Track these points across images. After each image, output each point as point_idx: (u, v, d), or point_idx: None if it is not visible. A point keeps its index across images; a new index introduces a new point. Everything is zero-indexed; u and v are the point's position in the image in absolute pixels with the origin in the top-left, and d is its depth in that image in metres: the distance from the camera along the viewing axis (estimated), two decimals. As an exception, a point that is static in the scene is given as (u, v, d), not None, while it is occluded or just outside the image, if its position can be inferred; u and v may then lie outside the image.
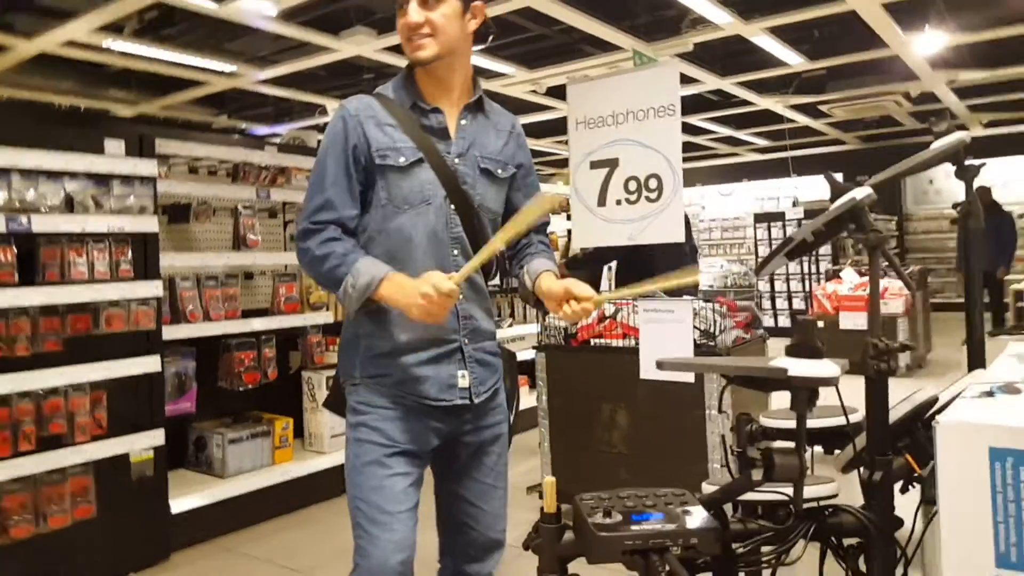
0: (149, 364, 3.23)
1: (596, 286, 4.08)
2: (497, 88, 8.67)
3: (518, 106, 9.86)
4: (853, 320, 7.37)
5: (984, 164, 1.59)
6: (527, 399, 5.34)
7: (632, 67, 4.02)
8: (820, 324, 7.80)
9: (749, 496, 1.26)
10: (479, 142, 1.80)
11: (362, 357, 1.74)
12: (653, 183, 3.71)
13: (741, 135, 12.84)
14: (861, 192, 1.26)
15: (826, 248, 10.57)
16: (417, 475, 1.73)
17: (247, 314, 3.93)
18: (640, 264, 3.93)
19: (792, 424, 1.69)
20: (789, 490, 1.28)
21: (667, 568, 1.08)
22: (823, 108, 10.53)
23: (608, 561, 1.11)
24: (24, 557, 2.72)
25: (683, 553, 1.14)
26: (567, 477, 3.36)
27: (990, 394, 1.10)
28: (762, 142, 13.56)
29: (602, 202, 3.84)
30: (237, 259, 3.88)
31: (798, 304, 10.39)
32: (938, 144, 1.59)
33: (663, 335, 3.49)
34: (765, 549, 1.22)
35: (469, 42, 1.78)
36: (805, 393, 1.05)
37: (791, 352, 1.07)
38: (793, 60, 8.27)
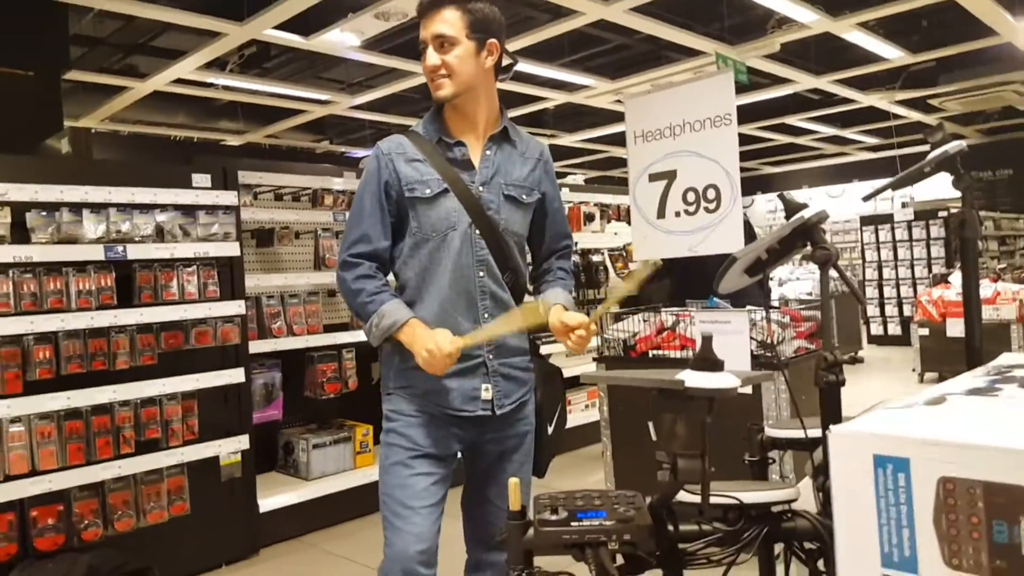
0: (235, 375, 3.55)
1: (683, 295, 4.08)
2: (580, 100, 8.79)
3: (603, 117, 9.92)
4: (962, 327, 6.94)
5: (973, 174, 1.56)
6: (592, 412, 5.42)
7: (692, 76, 4.04)
8: (925, 332, 7.39)
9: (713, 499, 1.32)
10: (504, 169, 1.94)
11: (395, 370, 1.91)
12: (711, 193, 3.72)
13: (847, 134, 12.33)
14: (810, 211, 1.30)
15: (938, 251, 9.97)
16: (440, 475, 1.88)
17: (329, 329, 4.22)
18: (701, 275, 3.94)
19: (798, 434, 1.73)
20: (742, 495, 1.34)
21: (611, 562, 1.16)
22: (934, 102, 9.97)
23: (550, 554, 1.22)
24: (127, 548, 3.06)
25: (627, 550, 1.23)
26: (632, 487, 3.42)
27: (909, 406, 1.13)
28: (871, 140, 12.95)
29: (661, 214, 3.88)
30: (318, 278, 4.18)
31: (909, 311, 9.84)
32: (935, 154, 1.58)
33: (719, 346, 3.48)
34: (715, 550, 1.28)
35: (490, 77, 1.91)
36: (704, 403, 1.12)
37: (694, 365, 1.14)
38: (892, 54, 7.91)
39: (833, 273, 1.30)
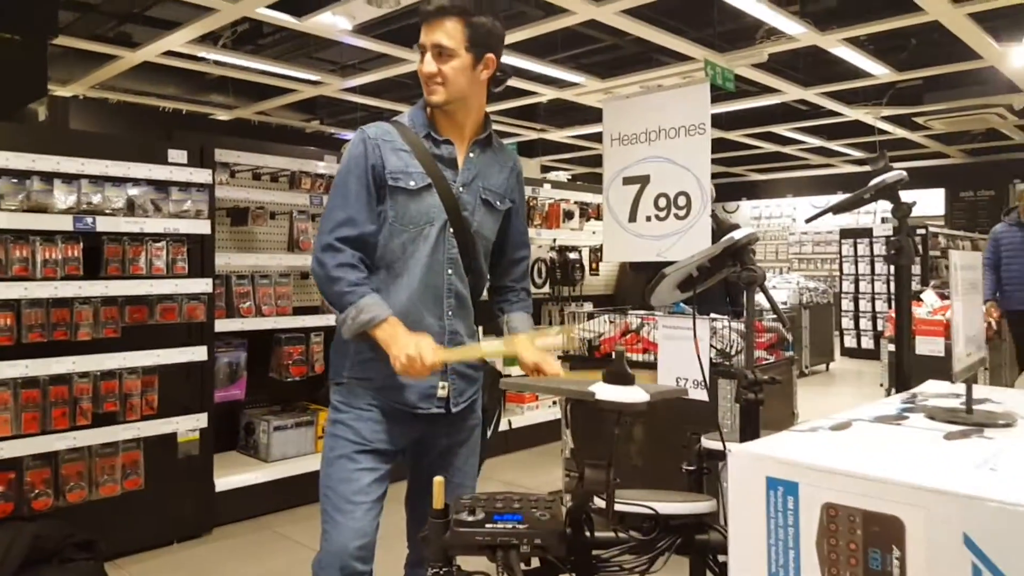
0: (198, 353, 3.56)
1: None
2: (570, 97, 8.80)
3: (593, 114, 9.94)
4: (930, 346, 7.04)
5: (915, 203, 1.61)
6: (554, 410, 5.48)
7: (680, 81, 4.07)
8: (894, 347, 7.48)
9: (624, 508, 1.36)
10: (483, 174, 1.97)
11: (351, 360, 1.92)
12: (682, 200, 3.75)
13: (833, 146, 12.42)
14: (740, 232, 1.33)
15: (916, 268, 10.09)
16: (383, 471, 1.90)
17: (298, 311, 4.24)
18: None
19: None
20: (659, 504, 1.38)
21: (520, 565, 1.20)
22: (919, 120, 10.07)
23: (464, 553, 1.25)
24: (78, 519, 3.05)
25: (539, 554, 1.26)
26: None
27: (815, 429, 1.17)
28: (856, 153, 13.06)
29: (633, 218, 3.92)
30: (290, 260, 4.19)
31: (883, 326, 9.96)
32: (875, 182, 1.62)
33: (680, 351, 3.53)
34: (628, 558, 1.32)
35: (483, 88, 1.94)
36: (613, 415, 1.16)
37: (607, 378, 1.17)
38: (878, 71, 7.98)
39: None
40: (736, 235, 1.33)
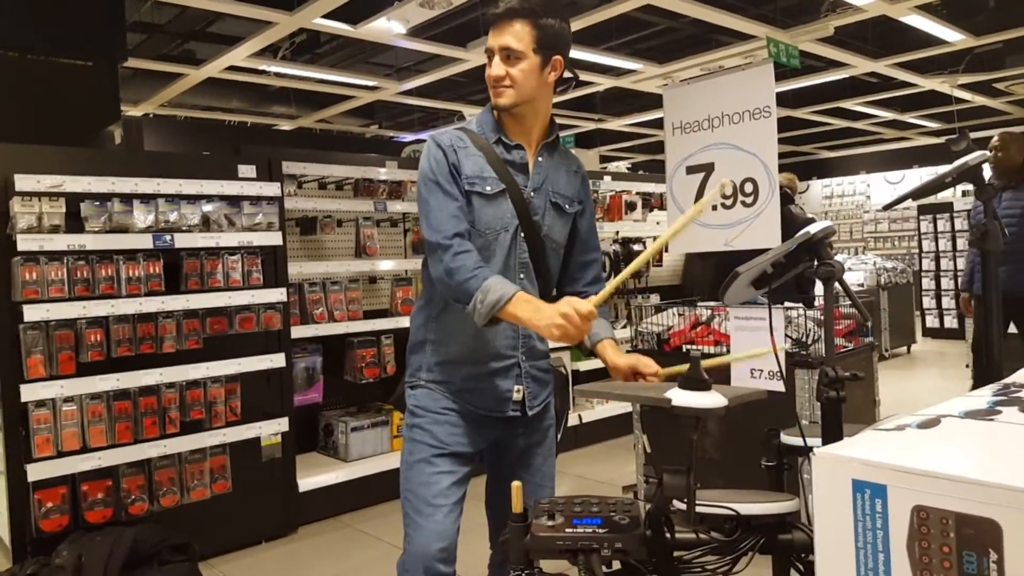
0: (276, 360, 3.68)
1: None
2: (628, 84, 8.69)
3: (652, 101, 9.80)
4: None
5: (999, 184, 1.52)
6: (625, 404, 5.41)
7: (742, 61, 3.97)
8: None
9: (705, 510, 1.34)
10: (552, 178, 1.97)
11: (428, 362, 1.95)
12: (749, 187, 3.67)
13: (908, 118, 11.92)
14: (816, 226, 1.29)
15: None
16: (462, 474, 1.92)
17: (368, 315, 4.33)
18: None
19: (811, 442, 1.73)
20: (740, 505, 1.36)
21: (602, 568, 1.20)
22: (1000, 86, 9.57)
23: (545, 557, 1.26)
24: (172, 523, 3.21)
25: (620, 557, 1.26)
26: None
27: (902, 427, 1.14)
28: (932, 124, 12.50)
29: (698, 207, 3.85)
30: (358, 266, 4.28)
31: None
32: (956, 164, 1.54)
33: (753, 342, 3.46)
34: (711, 559, 1.31)
35: (549, 91, 1.94)
36: (691, 421, 1.14)
37: (683, 384, 1.15)
38: (953, 37, 7.62)
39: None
40: (812, 229, 1.29)
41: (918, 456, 0.99)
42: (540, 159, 1.95)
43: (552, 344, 2.17)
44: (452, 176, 1.84)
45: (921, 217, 10.37)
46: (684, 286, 6.36)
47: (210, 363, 3.42)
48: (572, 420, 5.12)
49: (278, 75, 7.79)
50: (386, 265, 4.39)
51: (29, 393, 2.97)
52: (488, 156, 1.88)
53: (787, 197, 4.21)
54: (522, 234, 1.90)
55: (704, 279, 5.62)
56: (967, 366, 7.37)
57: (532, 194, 1.92)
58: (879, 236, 14.84)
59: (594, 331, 1.98)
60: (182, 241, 3.32)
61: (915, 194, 1.61)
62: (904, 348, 9.33)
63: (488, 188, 1.86)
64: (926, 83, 9.40)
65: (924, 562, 0.93)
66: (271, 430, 3.68)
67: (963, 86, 9.64)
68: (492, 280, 1.72)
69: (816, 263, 1.29)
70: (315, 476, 3.98)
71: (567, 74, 1.94)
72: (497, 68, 1.85)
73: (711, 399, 1.12)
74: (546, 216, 1.94)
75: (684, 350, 3.75)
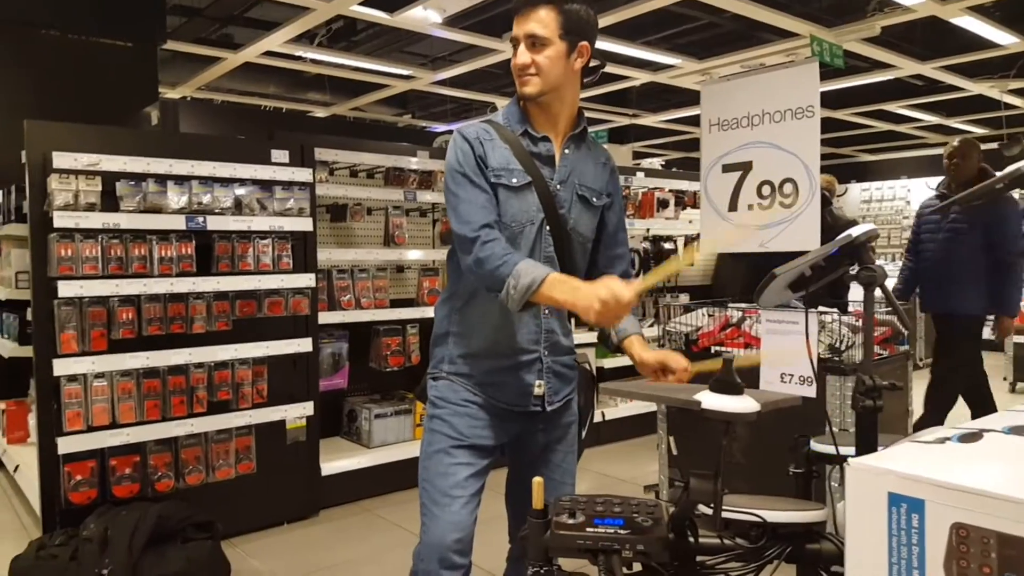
0: (303, 344, 3.70)
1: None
2: (665, 80, 8.59)
3: (689, 97, 9.68)
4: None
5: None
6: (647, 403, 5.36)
7: (784, 60, 3.90)
8: (1021, 339, 6.97)
9: (731, 515, 1.31)
10: (579, 170, 1.94)
11: (451, 354, 1.94)
12: (788, 188, 3.60)
13: (952, 123, 11.63)
14: (858, 229, 1.24)
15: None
16: (480, 467, 1.90)
17: (395, 304, 4.33)
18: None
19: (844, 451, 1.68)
20: (767, 512, 1.32)
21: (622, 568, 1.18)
22: (1052, 92, 9.29)
23: (564, 556, 1.24)
24: (196, 501, 3.25)
25: (641, 560, 1.24)
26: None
27: (942, 440, 1.09)
28: (978, 130, 12.18)
29: (733, 207, 3.78)
30: (386, 254, 4.29)
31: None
32: (1009, 170, 1.48)
33: (784, 346, 3.39)
34: (734, 565, 1.27)
35: (577, 78, 1.90)
36: (721, 425, 1.10)
37: (715, 387, 1.12)
38: (1006, 40, 7.39)
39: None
40: (854, 232, 1.25)
41: (959, 471, 0.95)
42: (567, 151, 1.92)
43: (576, 340, 2.15)
44: (479, 168, 1.82)
45: (962, 224, 10.10)
46: (715, 286, 6.28)
47: (238, 345, 3.44)
48: (595, 417, 5.09)
49: (314, 61, 7.82)
50: (414, 254, 4.39)
51: (61, 368, 3.02)
52: (514, 148, 1.86)
53: (825, 200, 4.13)
54: (548, 227, 1.87)
55: (736, 280, 5.52)
56: (1005, 379, 7.19)
57: (558, 187, 1.89)
58: (917, 242, 14.49)
59: (621, 326, 1.96)
60: (214, 223, 3.34)
61: (964, 199, 1.55)
62: (893, 381, 9.11)
63: (514, 180, 1.84)
64: (974, 87, 9.15)
65: (962, 582, 0.89)
66: (296, 413, 3.70)
67: (1013, 91, 9.37)
68: (523, 264, 1.70)
69: (857, 267, 1.25)
70: (338, 461, 4.01)
71: (593, 62, 1.90)
72: (522, 56, 1.82)
73: (743, 403, 1.09)
74: (572, 209, 1.91)
75: (712, 351, 3.70)
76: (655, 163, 6.92)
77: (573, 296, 1.63)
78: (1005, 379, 7.21)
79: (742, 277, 5.19)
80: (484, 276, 1.74)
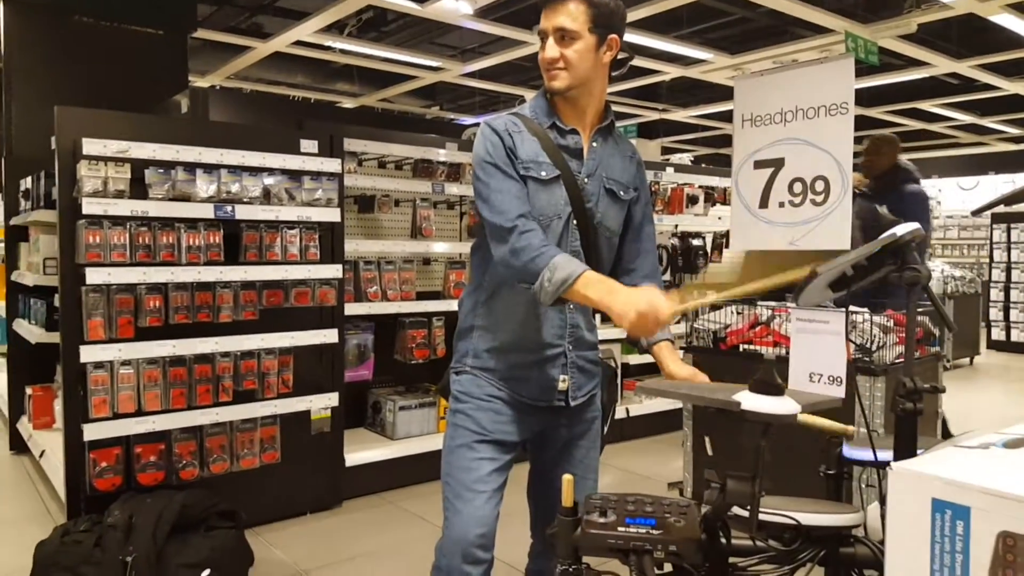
0: (329, 336, 3.70)
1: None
2: (696, 75, 8.50)
3: (720, 93, 9.57)
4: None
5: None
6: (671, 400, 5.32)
7: (818, 56, 3.84)
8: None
9: (764, 517, 1.28)
10: (606, 164, 1.91)
11: (475, 348, 1.92)
12: (820, 185, 3.55)
13: (987, 123, 11.41)
14: (902, 228, 1.20)
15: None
16: (503, 462, 1.89)
17: (421, 296, 4.33)
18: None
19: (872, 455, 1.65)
20: (801, 515, 1.29)
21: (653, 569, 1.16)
22: (1092, 92, 9.07)
23: (595, 555, 1.22)
24: (220, 490, 3.26)
25: (673, 560, 1.21)
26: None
27: (986, 446, 1.06)
28: (1013, 130, 11.94)
29: (764, 203, 3.74)
30: (413, 246, 4.28)
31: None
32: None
33: (815, 346, 3.33)
34: (767, 567, 1.25)
35: (605, 72, 1.88)
36: (760, 426, 1.07)
37: (754, 388, 1.09)
38: (1045, 38, 7.23)
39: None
40: (898, 231, 1.21)
41: (1006, 478, 0.91)
42: (594, 144, 1.89)
43: (600, 336, 2.12)
44: (510, 159, 1.80)
45: (995, 226, 9.93)
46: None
47: (265, 335, 3.45)
48: (619, 413, 5.06)
49: (343, 52, 7.84)
50: (441, 247, 4.38)
51: (88, 354, 3.04)
52: (543, 141, 1.83)
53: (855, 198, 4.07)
54: (575, 221, 1.84)
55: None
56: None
57: (586, 180, 1.86)
58: (948, 243, 14.27)
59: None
60: (242, 213, 3.35)
61: (1008, 199, 1.50)
62: (967, 359, 8.98)
63: (543, 173, 1.81)
64: (1011, 87, 8.96)
65: (1010, 593, 0.86)
66: (321, 404, 3.71)
67: (1051, 90, 9.17)
68: (559, 258, 1.67)
69: (901, 267, 1.21)
70: (362, 452, 4.01)
71: (622, 54, 1.87)
72: (551, 50, 1.79)
73: (783, 405, 1.06)
74: (600, 203, 1.89)
75: (740, 349, 3.65)
76: (684, 159, 6.86)
77: (610, 299, 1.60)
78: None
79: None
80: (518, 267, 1.71)
